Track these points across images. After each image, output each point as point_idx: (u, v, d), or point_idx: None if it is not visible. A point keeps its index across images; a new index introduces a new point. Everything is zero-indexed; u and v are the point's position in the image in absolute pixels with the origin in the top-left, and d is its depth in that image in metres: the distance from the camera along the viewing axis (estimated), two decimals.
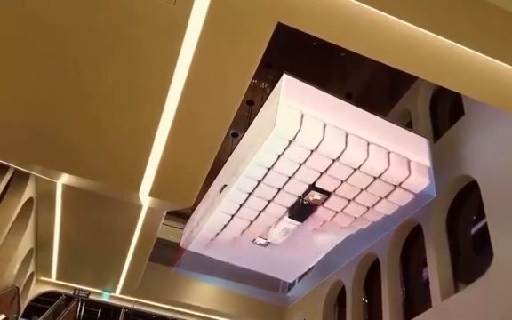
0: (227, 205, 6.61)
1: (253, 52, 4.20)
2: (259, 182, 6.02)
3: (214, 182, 7.21)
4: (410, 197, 5.98)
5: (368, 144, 5.48)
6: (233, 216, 6.74)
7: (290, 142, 5.33)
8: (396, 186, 5.85)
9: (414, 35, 3.78)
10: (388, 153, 5.57)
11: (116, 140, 5.43)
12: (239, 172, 5.95)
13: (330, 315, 10.10)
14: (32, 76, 4.70)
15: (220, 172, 7.05)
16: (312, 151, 5.46)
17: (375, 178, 5.73)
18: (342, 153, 5.41)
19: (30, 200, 8.61)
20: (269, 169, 5.76)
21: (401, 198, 5.99)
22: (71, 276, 11.46)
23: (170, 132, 5.13)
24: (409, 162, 5.73)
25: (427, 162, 5.82)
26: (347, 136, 5.41)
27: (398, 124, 6.26)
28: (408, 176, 5.65)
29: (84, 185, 6.61)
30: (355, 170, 5.61)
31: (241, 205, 6.56)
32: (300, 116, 5.19)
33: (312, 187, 5.98)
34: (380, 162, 5.52)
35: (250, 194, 6.26)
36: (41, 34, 4.24)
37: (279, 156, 5.55)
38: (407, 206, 6.35)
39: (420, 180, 5.70)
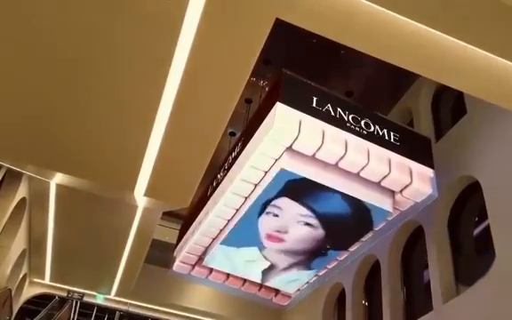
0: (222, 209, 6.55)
1: (251, 48, 4.10)
2: None
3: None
4: (411, 203, 5.85)
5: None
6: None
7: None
8: (395, 192, 5.70)
9: (416, 31, 3.70)
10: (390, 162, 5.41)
11: (112, 139, 5.35)
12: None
13: (329, 318, 10.00)
14: (26, 74, 4.59)
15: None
16: None
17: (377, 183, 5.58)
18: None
19: (23, 200, 8.49)
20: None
21: (402, 204, 5.85)
22: (65, 278, 11.30)
23: (165, 130, 5.04)
24: (411, 170, 5.55)
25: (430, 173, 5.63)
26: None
27: (400, 124, 6.18)
28: (410, 183, 5.48)
29: (78, 184, 6.52)
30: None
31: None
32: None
33: None
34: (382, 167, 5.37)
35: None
36: (35, 33, 4.14)
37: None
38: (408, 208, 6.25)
39: (423, 188, 5.53)
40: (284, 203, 5.92)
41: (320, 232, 6.31)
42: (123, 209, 7.70)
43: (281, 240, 6.58)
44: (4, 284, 8.87)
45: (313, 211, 5.98)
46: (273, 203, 5.91)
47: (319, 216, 6.06)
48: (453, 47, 3.79)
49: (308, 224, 6.20)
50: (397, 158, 5.51)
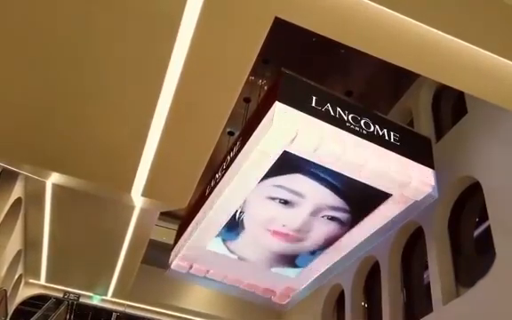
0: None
1: (250, 47, 4.04)
2: None
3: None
4: (411, 202, 5.79)
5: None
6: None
7: None
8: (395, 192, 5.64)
9: (416, 31, 3.65)
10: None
11: (109, 138, 5.28)
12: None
13: (329, 319, 9.95)
14: (21, 73, 4.53)
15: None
16: None
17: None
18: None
19: (19, 200, 8.43)
20: None
21: (401, 203, 5.79)
22: (61, 279, 11.24)
23: (163, 129, 4.97)
24: (411, 170, 5.49)
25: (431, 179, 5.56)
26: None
27: (400, 124, 6.12)
28: (409, 183, 5.42)
29: (74, 184, 6.44)
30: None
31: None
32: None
33: None
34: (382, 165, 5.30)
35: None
36: (32, 32, 4.07)
37: None
38: (408, 208, 6.19)
39: (423, 187, 5.47)
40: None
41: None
42: (120, 209, 7.64)
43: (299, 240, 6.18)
44: None
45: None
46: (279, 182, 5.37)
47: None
48: (454, 46, 3.74)
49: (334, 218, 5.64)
50: (397, 158, 5.46)
